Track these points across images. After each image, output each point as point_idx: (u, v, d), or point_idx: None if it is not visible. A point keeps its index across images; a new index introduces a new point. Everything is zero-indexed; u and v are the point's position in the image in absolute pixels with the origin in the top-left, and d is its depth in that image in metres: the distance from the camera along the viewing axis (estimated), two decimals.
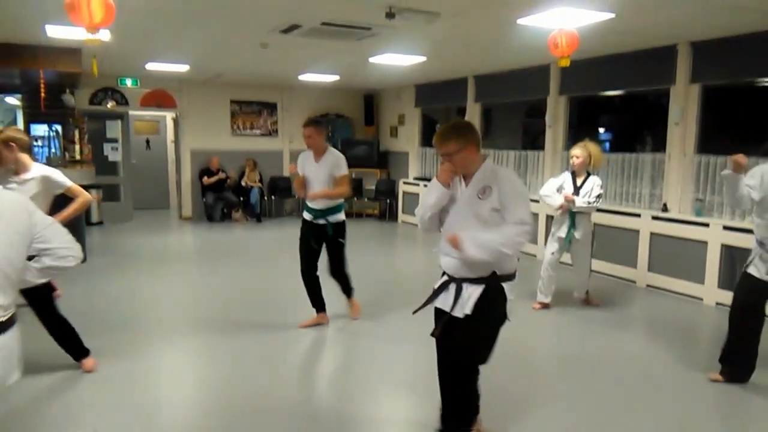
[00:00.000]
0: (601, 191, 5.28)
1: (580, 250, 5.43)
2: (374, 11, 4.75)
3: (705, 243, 5.75)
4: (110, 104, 10.08)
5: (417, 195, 10.38)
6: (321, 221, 4.53)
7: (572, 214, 5.27)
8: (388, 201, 11.16)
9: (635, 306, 5.80)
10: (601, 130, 11.50)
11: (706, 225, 5.74)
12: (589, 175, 5.28)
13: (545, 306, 5.38)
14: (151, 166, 12.04)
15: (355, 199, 11.46)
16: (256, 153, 11.01)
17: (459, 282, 2.65)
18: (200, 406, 3.49)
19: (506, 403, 3.41)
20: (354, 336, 4.70)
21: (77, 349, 3.75)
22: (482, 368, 2.74)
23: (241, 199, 10.74)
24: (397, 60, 7.40)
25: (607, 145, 11.22)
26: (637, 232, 6.45)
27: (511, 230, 2.51)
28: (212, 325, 4.82)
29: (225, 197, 10.64)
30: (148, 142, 12.12)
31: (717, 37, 5.67)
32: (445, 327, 2.69)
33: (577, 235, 5.28)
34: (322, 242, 4.62)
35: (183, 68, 8.63)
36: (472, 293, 2.60)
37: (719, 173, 5.78)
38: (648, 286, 6.29)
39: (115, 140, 10.41)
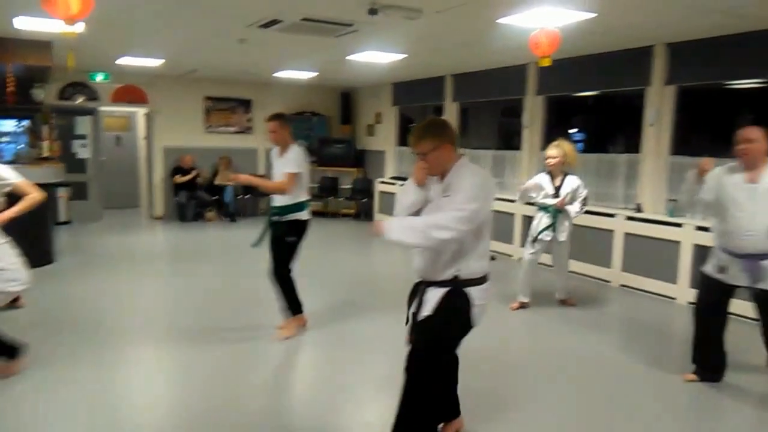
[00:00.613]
0: (586, 192, 5.31)
1: (562, 252, 5.47)
2: (357, 7, 4.71)
3: (678, 243, 5.85)
4: (80, 99, 9.81)
5: (394, 194, 10.34)
6: (278, 219, 4.36)
7: (554, 215, 5.27)
8: (364, 200, 11.11)
9: (610, 306, 5.87)
10: (577, 130, 11.64)
11: (679, 225, 5.84)
12: (566, 175, 5.29)
13: (524, 306, 5.40)
14: (122, 163, 11.78)
15: (331, 198, 11.40)
16: (231, 151, 10.85)
17: (425, 285, 2.61)
18: (170, 415, 3.35)
19: (482, 403, 3.40)
20: (329, 340, 4.56)
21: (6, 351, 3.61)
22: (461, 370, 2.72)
23: (215, 198, 10.58)
24: (376, 57, 7.36)
25: (581, 145, 11.37)
26: (611, 232, 6.53)
27: (445, 215, 2.43)
28: (185, 329, 4.67)
29: (198, 196, 10.46)
30: (118, 138, 11.85)
31: (693, 39, 5.77)
32: (413, 331, 2.66)
33: (561, 237, 5.29)
34: None
35: (157, 63, 8.44)
36: (433, 296, 2.56)
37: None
38: (622, 285, 6.38)
39: (84, 137, 10.13)
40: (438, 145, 2.54)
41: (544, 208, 5.32)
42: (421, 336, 2.59)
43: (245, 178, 4.34)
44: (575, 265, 6.88)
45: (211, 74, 10.03)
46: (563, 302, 5.60)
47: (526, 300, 5.40)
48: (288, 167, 4.24)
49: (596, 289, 6.34)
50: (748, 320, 5.05)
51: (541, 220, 5.34)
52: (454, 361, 2.89)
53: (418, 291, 2.65)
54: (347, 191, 11.38)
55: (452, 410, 2.96)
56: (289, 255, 4.36)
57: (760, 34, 5.23)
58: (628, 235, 6.36)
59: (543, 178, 5.31)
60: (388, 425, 2.59)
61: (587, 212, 6.74)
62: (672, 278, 5.88)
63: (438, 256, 2.55)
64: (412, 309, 2.65)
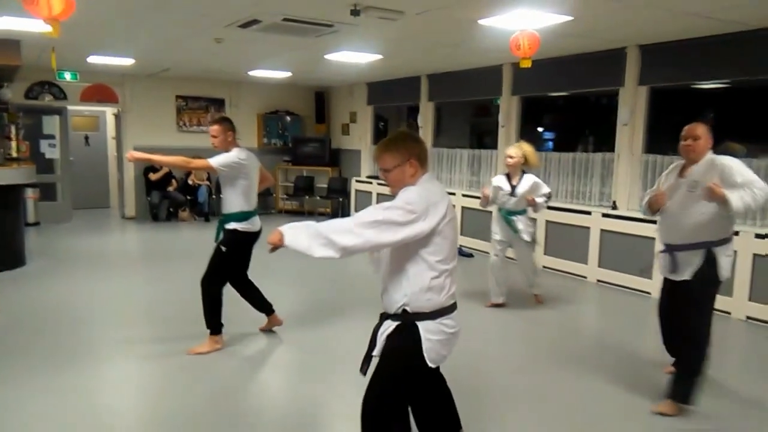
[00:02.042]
0: (548, 188, 5.29)
1: (527, 252, 5.48)
2: (339, 8, 4.70)
3: (652, 239, 6.00)
4: (47, 99, 9.56)
5: (370, 193, 10.38)
6: (220, 225, 4.18)
7: (507, 216, 5.29)
8: (340, 200, 11.10)
9: (586, 301, 6.01)
10: (553, 130, 11.85)
11: (654, 222, 5.97)
12: (524, 173, 5.27)
13: (499, 305, 5.44)
14: (91, 163, 11.54)
15: (307, 197, 11.37)
16: (204, 150, 10.59)
17: (383, 318, 2.39)
18: (143, 421, 3.28)
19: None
20: (303, 342, 4.49)
21: None
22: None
23: (188, 197, 10.44)
24: (353, 58, 7.35)
25: (552, 144, 11.58)
26: (587, 229, 6.67)
27: (351, 217, 2.19)
28: (159, 333, 4.58)
29: (171, 196, 10.31)
30: (86, 138, 11.59)
31: (664, 40, 5.93)
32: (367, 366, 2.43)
33: (525, 237, 5.30)
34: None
35: (128, 62, 8.28)
36: (384, 332, 2.34)
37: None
38: (598, 281, 6.52)
39: (52, 136, 9.88)
40: (403, 161, 2.30)
41: (500, 208, 5.35)
42: (372, 378, 2.36)
43: (140, 155, 4.00)
44: (552, 261, 7.05)
45: (184, 73, 9.89)
46: (537, 297, 5.66)
47: (499, 300, 5.42)
48: (212, 158, 4.02)
49: (573, 285, 6.48)
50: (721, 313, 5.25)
51: (499, 220, 5.39)
52: (437, 387, 2.65)
53: (379, 324, 2.42)
54: (323, 190, 11.36)
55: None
56: (219, 266, 4.14)
57: (727, 37, 5.40)
58: (603, 231, 6.50)
59: (500, 179, 5.32)
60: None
61: (564, 210, 6.95)
62: (647, 274, 6.03)
63: (385, 282, 2.35)
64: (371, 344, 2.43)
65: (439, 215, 2.23)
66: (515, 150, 5.22)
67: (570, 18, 4.92)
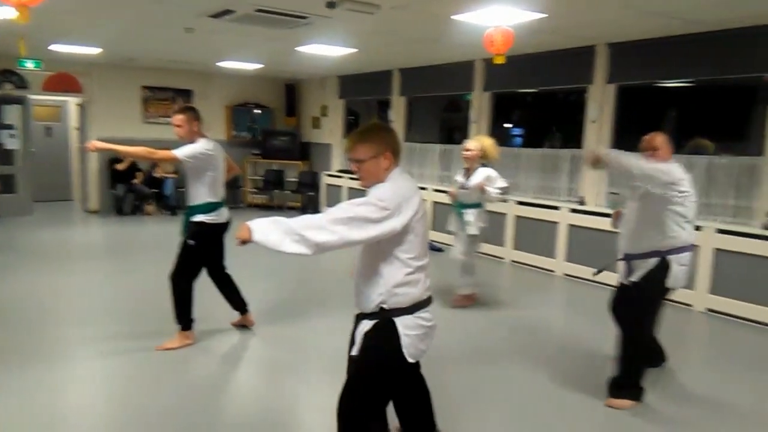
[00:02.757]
0: (505, 181, 5.13)
1: (467, 246, 5.32)
2: (314, 0, 4.67)
3: (618, 234, 6.14)
4: (8, 87, 9.24)
5: (341, 187, 10.36)
6: (186, 218, 4.10)
7: (459, 209, 5.29)
8: (310, 194, 11.04)
9: (553, 295, 6.13)
10: (521, 126, 11.99)
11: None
12: (483, 167, 5.21)
13: (469, 298, 5.45)
14: (52, 155, 11.21)
15: (277, 191, 11.27)
16: (170, 142, 10.36)
17: (360, 317, 2.37)
18: (108, 418, 3.20)
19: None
20: (275, 338, 4.44)
21: None
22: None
23: (154, 190, 10.23)
24: (326, 51, 7.31)
25: (520, 140, 11.73)
26: (555, 224, 6.79)
27: (324, 214, 2.14)
28: (126, 328, 4.48)
29: (136, 189, 10.09)
30: (48, 129, 11.25)
31: (632, 39, 6.06)
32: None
33: (470, 231, 5.20)
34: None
35: (94, 51, 8.06)
36: (361, 331, 2.32)
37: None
38: (566, 275, 6.65)
39: (11, 126, 9.54)
40: (378, 154, 2.25)
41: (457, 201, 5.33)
42: (349, 377, 2.37)
43: (102, 144, 3.83)
44: (521, 256, 7.16)
45: (151, 63, 9.68)
46: (466, 299, 5.42)
47: (467, 292, 5.42)
48: (177, 150, 3.90)
49: (542, 279, 6.60)
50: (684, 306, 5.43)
51: (453, 213, 5.41)
52: (416, 384, 2.67)
53: (356, 324, 2.40)
54: (293, 184, 11.27)
55: (427, 428, 2.73)
56: (187, 260, 4.04)
57: (691, 37, 5.55)
58: (571, 226, 6.63)
59: (460, 173, 5.33)
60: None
61: (533, 205, 7.06)
62: (611, 269, 6.16)
63: (359, 282, 2.33)
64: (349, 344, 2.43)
65: (412, 212, 2.21)
66: (473, 143, 5.21)
67: (544, 15, 4.99)
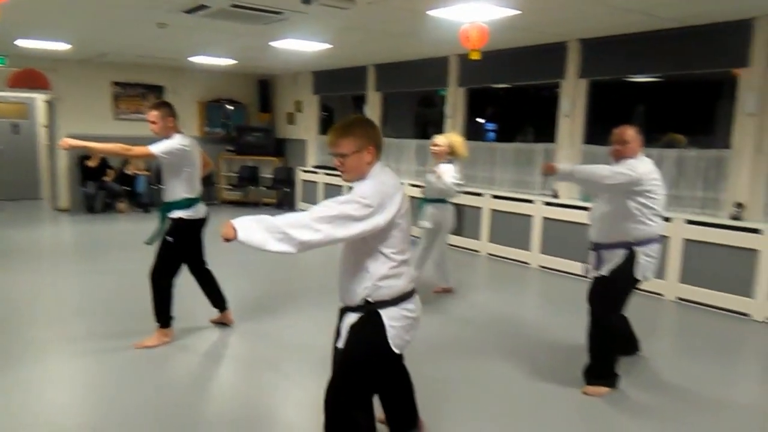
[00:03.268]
0: (456, 178, 5.07)
1: (427, 240, 5.32)
2: None
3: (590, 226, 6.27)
4: None
5: (316, 183, 10.33)
6: (164, 215, 4.05)
7: (422, 204, 5.30)
8: (286, 190, 10.99)
9: (528, 287, 6.24)
10: (494, 121, 12.11)
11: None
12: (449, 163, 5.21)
13: (446, 291, 5.52)
14: (20, 152, 10.95)
15: (251, 188, 11.20)
16: (142, 139, 10.21)
17: (344, 311, 2.41)
18: (93, 417, 3.16)
19: None
20: (254, 334, 4.42)
21: None
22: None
23: (126, 188, 10.07)
24: (301, 46, 7.28)
25: (494, 134, 11.85)
26: (530, 217, 6.90)
27: (308, 212, 2.14)
28: (102, 327, 4.42)
29: (107, 186, 9.92)
30: (15, 126, 10.98)
31: (603, 35, 6.17)
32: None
33: (425, 224, 5.21)
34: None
35: (63, 47, 7.89)
36: (347, 324, 2.35)
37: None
38: (541, 267, 6.77)
39: None
40: (361, 148, 2.25)
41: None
42: (336, 368, 2.40)
43: (75, 142, 3.72)
44: (497, 249, 7.25)
45: (122, 59, 9.51)
46: (441, 291, 5.54)
47: (444, 285, 5.49)
48: (153, 146, 3.84)
49: (517, 271, 6.70)
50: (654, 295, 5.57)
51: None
52: (400, 376, 2.74)
53: (341, 317, 2.44)
54: (268, 180, 11.21)
55: (409, 419, 2.82)
56: (167, 257, 4.00)
57: (661, 33, 5.69)
58: (545, 219, 6.74)
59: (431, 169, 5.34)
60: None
61: (507, 198, 7.15)
62: (586, 259, 6.28)
63: (343, 277, 2.36)
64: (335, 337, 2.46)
65: (395, 208, 2.24)
66: (441, 139, 5.23)
67: (518, 12, 5.05)
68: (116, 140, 4.24)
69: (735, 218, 5.30)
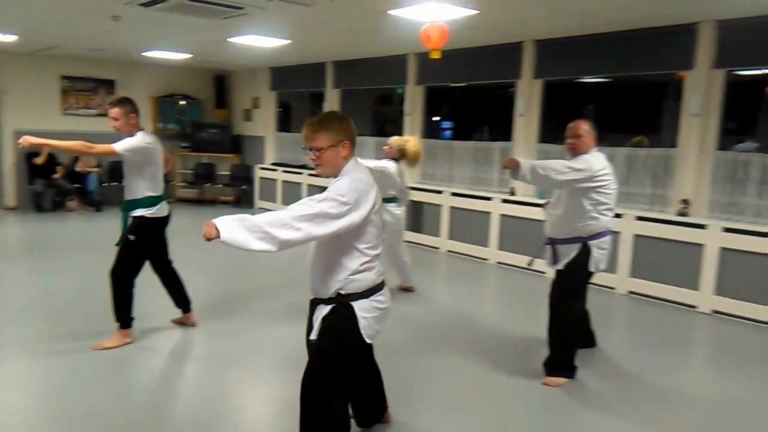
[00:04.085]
0: (391, 175, 5.10)
1: (385, 240, 5.42)
2: None
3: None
4: None
5: (275, 181, 10.25)
6: (125, 214, 3.98)
7: None
8: (243, 187, 10.86)
9: (486, 283, 6.38)
10: (451, 119, 12.27)
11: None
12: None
13: (406, 289, 5.56)
14: None
15: (208, 185, 11.01)
16: (92, 135, 9.90)
17: (316, 303, 2.45)
18: (49, 420, 3.09)
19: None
20: (218, 334, 4.38)
21: None
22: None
23: (77, 185, 9.76)
24: (259, 42, 7.21)
25: (450, 133, 12.02)
26: (488, 214, 7.04)
27: (288, 211, 2.17)
28: (57, 328, 4.29)
29: (57, 184, 9.59)
30: None
31: (556, 37, 6.35)
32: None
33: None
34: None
35: (8, 39, 7.57)
36: (319, 316, 2.40)
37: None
38: (499, 263, 6.92)
39: None
40: (337, 142, 2.31)
41: None
42: (310, 359, 2.44)
43: (35, 140, 3.60)
44: (456, 245, 7.37)
45: (71, 52, 9.19)
46: (405, 289, 5.57)
47: (403, 285, 5.52)
48: (117, 143, 3.76)
49: (476, 267, 6.84)
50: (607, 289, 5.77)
51: None
52: (370, 367, 2.81)
53: (313, 309, 2.48)
54: (225, 178, 11.04)
55: (379, 410, 2.92)
56: (128, 256, 3.93)
57: (610, 35, 5.88)
58: (503, 216, 6.89)
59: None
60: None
61: (466, 196, 7.28)
62: (542, 255, 6.46)
63: (315, 270, 2.40)
64: (308, 329, 2.50)
65: (370, 204, 2.30)
66: (394, 140, 5.23)
67: (476, 12, 5.15)
68: (64, 136, 4.12)
69: (681, 214, 5.55)
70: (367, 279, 2.36)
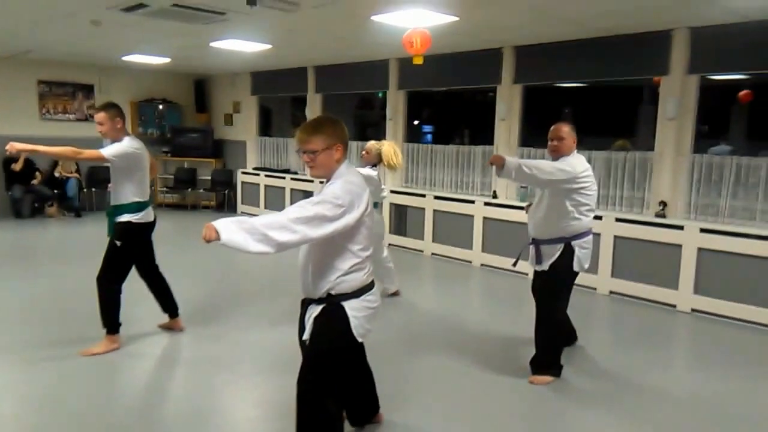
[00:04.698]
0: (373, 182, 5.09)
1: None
2: None
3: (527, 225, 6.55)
4: None
5: (257, 185, 10.23)
6: (111, 219, 3.97)
7: None
8: (226, 192, 10.81)
9: (471, 284, 6.45)
10: (431, 123, 12.37)
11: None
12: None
13: (392, 294, 5.53)
14: None
15: (189, 190, 10.94)
16: (71, 140, 9.77)
17: (307, 303, 2.50)
18: (39, 427, 3.06)
19: None
20: (205, 339, 4.37)
21: None
22: None
23: (56, 191, 9.64)
24: (241, 46, 7.22)
25: (431, 137, 12.12)
26: (471, 217, 7.12)
27: (285, 215, 2.22)
28: (42, 335, 4.26)
29: (36, 190, 9.46)
30: None
31: (535, 43, 6.46)
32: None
33: None
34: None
35: None
36: (311, 316, 2.45)
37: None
38: (483, 265, 7.00)
39: None
40: (331, 145, 2.37)
41: None
42: (304, 359, 2.50)
43: (22, 146, 3.58)
44: (440, 248, 7.44)
45: (49, 56, 9.09)
46: (391, 294, 5.53)
47: (386, 289, 5.48)
48: (104, 149, 3.80)
49: (460, 270, 6.91)
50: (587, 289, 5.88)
51: None
52: (362, 367, 2.86)
53: (304, 309, 2.53)
54: (206, 183, 10.98)
55: (371, 410, 2.97)
56: (115, 261, 3.93)
57: (588, 41, 6.01)
58: (486, 219, 6.98)
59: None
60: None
61: (449, 199, 7.35)
62: (525, 257, 6.56)
63: (307, 271, 2.43)
64: (300, 330, 2.55)
65: (363, 207, 2.36)
66: (371, 145, 5.24)
67: (456, 18, 5.23)
68: (42, 141, 4.06)
69: (660, 216, 5.69)
70: (358, 279, 2.42)
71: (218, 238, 2.13)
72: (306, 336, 2.46)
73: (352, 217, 2.30)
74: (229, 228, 2.15)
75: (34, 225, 8.97)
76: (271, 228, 2.17)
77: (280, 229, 2.17)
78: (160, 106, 11.07)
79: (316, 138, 2.38)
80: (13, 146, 3.56)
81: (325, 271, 2.39)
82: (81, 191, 9.85)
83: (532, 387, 3.66)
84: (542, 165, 3.61)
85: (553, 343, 3.77)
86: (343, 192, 2.30)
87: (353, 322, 2.40)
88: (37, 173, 9.47)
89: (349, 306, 2.40)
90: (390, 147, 5.24)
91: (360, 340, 2.46)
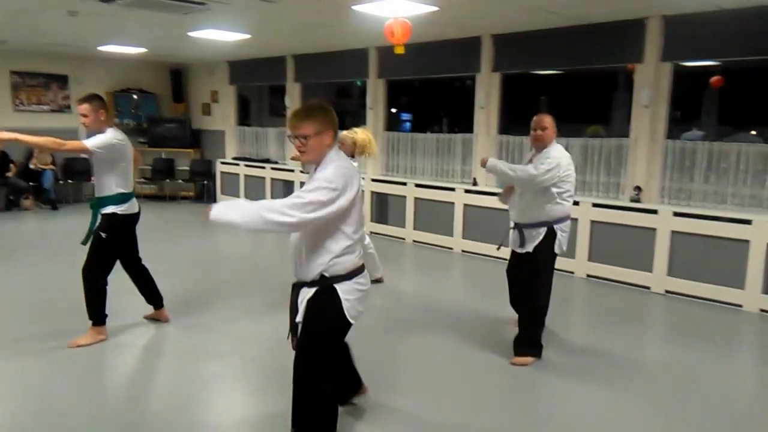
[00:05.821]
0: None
1: None
2: None
3: (507, 211, 6.67)
4: None
5: (237, 175, 10.20)
6: (95, 211, 3.97)
7: None
8: (204, 182, 10.76)
9: (452, 270, 6.58)
10: (410, 111, 12.41)
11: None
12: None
13: (375, 280, 5.52)
14: None
15: (167, 180, 10.86)
16: (46, 131, 9.61)
17: (299, 286, 2.55)
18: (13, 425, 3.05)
19: None
20: (191, 329, 4.40)
21: None
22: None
23: (31, 184, 9.50)
24: (219, 36, 7.18)
25: (409, 125, 12.17)
26: (452, 204, 7.23)
27: (281, 200, 2.32)
28: (27, 328, 4.25)
29: (10, 182, 9.32)
30: None
31: (513, 31, 6.55)
32: (294, 335, 2.59)
33: None
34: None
35: None
36: (303, 299, 2.50)
37: (517, 151, 6.80)
38: (464, 251, 7.12)
39: None
40: (322, 131, 2.43)
41: None
42: (299, 342, 2.54)
43: (5, 135, 3.56)
44: (422, 236, 7.53)
45: (22, 46, 8.93)
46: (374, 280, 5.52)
47: (373, 276, 5.52)
48: (88, 140, 3.79)
49: (441, 256, 7.02)
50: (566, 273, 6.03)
51: None
52: (343, 349, 2.94)
53: (295, 293, 2.57)
54: (185, 173, 10.91)
55: (354, 385, 3.07)
56: (100, 254, 3.93)
57: (565, 30, 6.11)
58: (466, 206, 7.08)
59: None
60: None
61: (430, 187, 7.44)
62: (500, 239, 6.68)
63: (300, 254, 2.49)
64: (292, 313, 2.58)
65: (355, 190, 2.44)
66: (343, 136, 5.17)
67: (435, 8, 5.28)
68: (16, 131, 4.00)
69: (635, 200, 5.85)
70: (350, 261, 2.47)
71: (219, 218, 2.31)
72: (299, 318, 2.50)
73: (345, 199, 2.37)
74: (224, 208, 2.35)
75: (10, 218, 8.84)
76: (269, 211, 2.29)
77: (278, 213, 2.28)
78: (135, 96, 10.95)
79: (307, 123, 2.43)
80: None
81: (318, 254, 2.44)
82: (57, 183, 9.73)
83: (514, 367, 3.78)
84: (531, 172, 3.75)
85: (536, 324, 3.90)
86: (335, 176, 2.37)
87: (345, 304, 2.46)
88: (12, 165, 9.33)
89: (341, 288, 2.46)
90: (364, 134, 5.25)
91: (352, 321, 2.52)
